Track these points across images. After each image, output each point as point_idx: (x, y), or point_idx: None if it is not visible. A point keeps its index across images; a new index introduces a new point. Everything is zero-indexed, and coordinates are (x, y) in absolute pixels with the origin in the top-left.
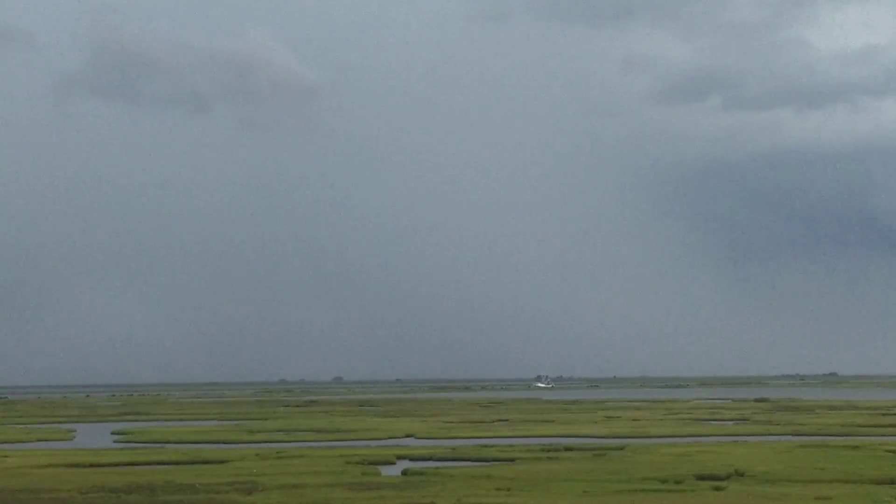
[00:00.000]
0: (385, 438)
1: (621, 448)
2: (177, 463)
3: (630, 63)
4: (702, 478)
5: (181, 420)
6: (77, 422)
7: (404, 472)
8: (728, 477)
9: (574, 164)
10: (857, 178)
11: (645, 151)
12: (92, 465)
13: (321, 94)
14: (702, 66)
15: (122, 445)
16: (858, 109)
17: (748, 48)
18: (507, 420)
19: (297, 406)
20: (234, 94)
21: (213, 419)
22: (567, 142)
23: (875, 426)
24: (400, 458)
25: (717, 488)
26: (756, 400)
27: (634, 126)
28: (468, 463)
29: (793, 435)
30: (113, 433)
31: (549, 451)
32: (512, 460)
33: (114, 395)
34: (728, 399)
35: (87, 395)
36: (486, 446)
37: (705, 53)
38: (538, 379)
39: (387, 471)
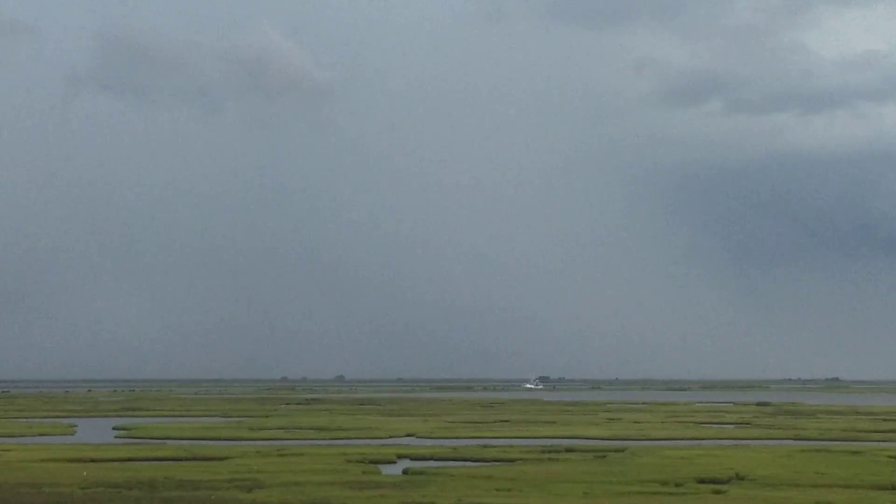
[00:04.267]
0: (386, 437)
1: (622, 450)
2: (177, 459)
3: (630, 66)
4: (702, 481)
5: (182, 416)
6: (78, 417)
7: (405, 472)
8: (729, 480)
9: (576, 166)
10: (858, 184)
11: (646, 154)
12: (93, 460)
13: (331, 94)
14: (702, 70)
15: (123, 441)
16: (859, 115)
17: (749, 52)
18: (508, 420)
19: (299, 404)
20: (244, 93)
21: (214, 416)
22: (569, 144)
23: (876, 431)
24: (401, 457)
25: (718, 492)
26: (758, 404)
27: (635, 129)
28: (469, 463)
29: (794, 439)
30: (114, 428)
31: (549, 452)
32: (512, 461)
33: (115, 391)
34: (730, 403)
35: (89, 391)
36: (486, 446)
37: (706, 57)
38: (538, 380)
39: (387, 470)
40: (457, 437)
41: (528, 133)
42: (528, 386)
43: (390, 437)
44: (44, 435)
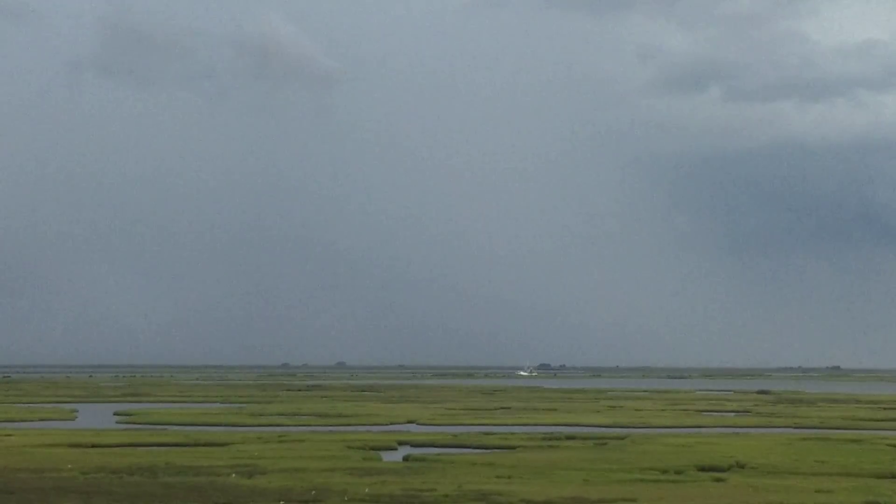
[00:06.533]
0: (387, 424)
1: (623, 438)
2: (178, 445)
3: (632, 54)
4: (703, 469)
5: (184, 402)
6: (80, 402)
7: (405, 458)
8: (729, 468)
9: (576, 153)
10: (858, 172)
11: (646, 142)
12: (94, 446)
13: (336, 82)
14: (701, 58)
15: (124, 426)
16: (858, 103)
17: (748, 40)
18: (508, 408)
19: (300, 390)
20: (248, 79)
21: (215, 402)
22: (569, 131)
23: (877, 420)
24: (401, 443)
25: (718, 479)
26: (758, 392)
27: (635, 116)
28: (469, 450)
29: (794, 427)
30: (115, 414)
31: (550, 439)
32: (513, 448)
33: (117, 376)
34: (730, 391)
35: (90, 376)
36: (487, 434)
37: (705, 45)
38: (534, 368)
39: (388, 456)
40: (458, 424)
41: (527, 120)
42: (523, 373)
43: (391, 423)
44: (45, 420)
